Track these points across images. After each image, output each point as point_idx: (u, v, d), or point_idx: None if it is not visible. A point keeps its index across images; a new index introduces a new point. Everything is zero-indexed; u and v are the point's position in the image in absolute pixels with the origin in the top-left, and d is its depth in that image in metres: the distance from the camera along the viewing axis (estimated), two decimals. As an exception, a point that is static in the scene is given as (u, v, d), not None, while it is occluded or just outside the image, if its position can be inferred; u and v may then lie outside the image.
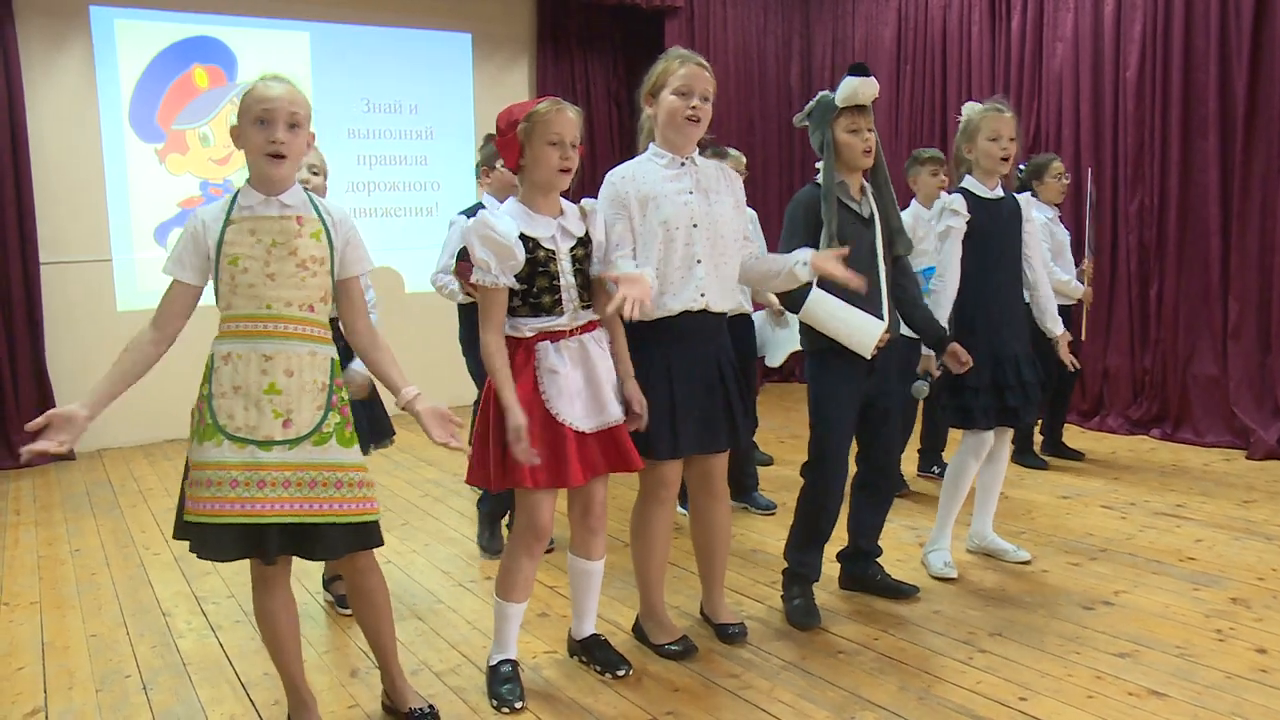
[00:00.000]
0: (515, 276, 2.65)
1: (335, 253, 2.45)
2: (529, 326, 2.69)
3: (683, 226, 2.87)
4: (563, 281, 2.69)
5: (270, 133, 2.33)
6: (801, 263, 2.95)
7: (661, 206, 2.86)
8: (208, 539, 2.34)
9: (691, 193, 2.90)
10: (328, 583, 3.62)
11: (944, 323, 3.50)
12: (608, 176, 2.94)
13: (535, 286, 2.67)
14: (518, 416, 2.57)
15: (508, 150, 2.73)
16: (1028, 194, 3.79)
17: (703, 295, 2.88)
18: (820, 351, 3.19)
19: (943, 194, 3.65)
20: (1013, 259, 3.63)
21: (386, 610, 2.63)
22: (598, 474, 2.76)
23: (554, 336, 2.69)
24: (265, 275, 2.35)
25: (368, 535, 2.46)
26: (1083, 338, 5.39)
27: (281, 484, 2.34)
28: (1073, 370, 3.90)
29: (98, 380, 2.38)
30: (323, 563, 3.60)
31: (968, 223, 3.53)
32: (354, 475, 2.41)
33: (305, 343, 2.39)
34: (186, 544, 2.40)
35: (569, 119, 2.67)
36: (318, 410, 2.39)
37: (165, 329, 2.43)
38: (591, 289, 2.79)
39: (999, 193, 3.61)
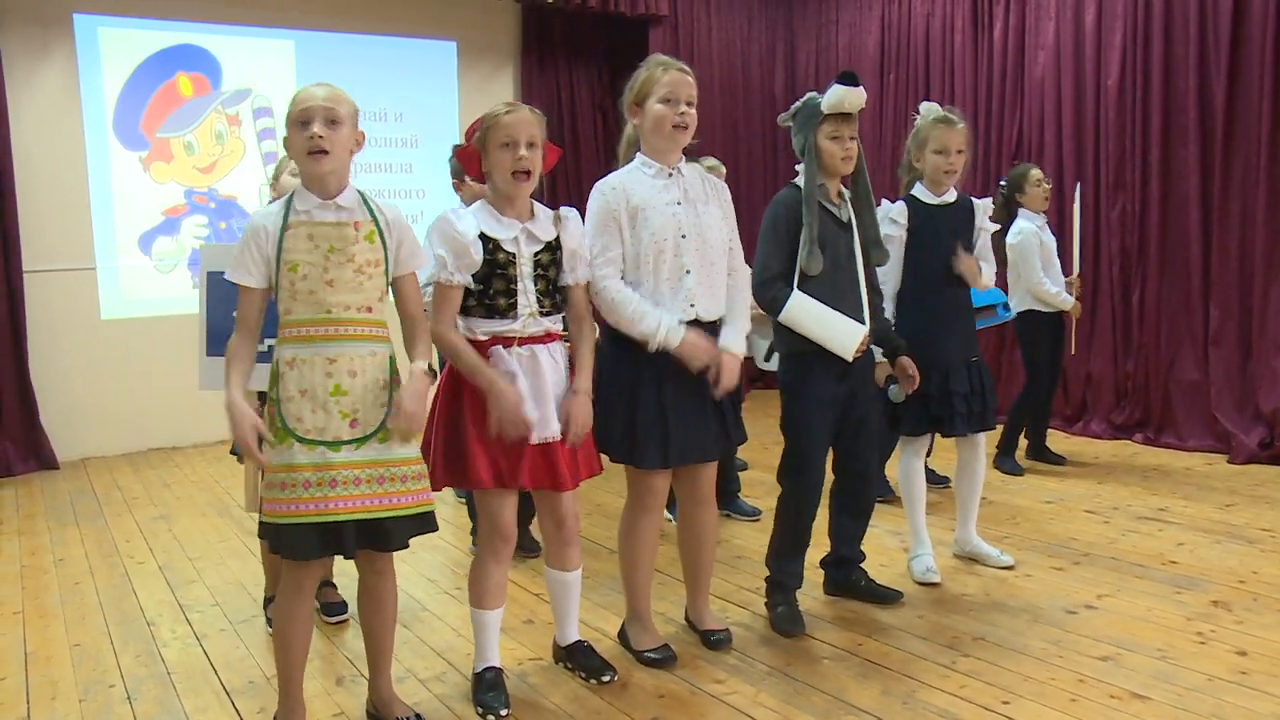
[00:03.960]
0: (472, 276, 2.66)
1: (390, 254, 2.51)
2: (482, 329, 2.69)
3: (671, 237, 2.88)
4: (520, 285, 2.68)
5: (307, 131, 2.37)
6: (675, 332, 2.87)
7: (650, 218, 2.87)
8: (288, 539, 2.41)
9: (679, 203, 2.91)
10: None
11: None
12: (597, 186, 2.93)
13: (491, 288, 2.67)
14: (501, 381, 2.59)
15: (469, 161, 2.75)
16: (988, 199, 3.78)
17: (693, 305, 2.89)
18: (794, 355, 3.20)
19: (884, 201, 3.67)
20: (954, 265, 3.61)
21: (392, 616, 2.67)
22: (538, 485, 2.74)
23: (505, 342, 2.69)
24: (324, 281, 2.41)
25: (427, 522, 2.55)
26: (1072, 351, 5.42)
27: (352, 482, 2.41)
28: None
29: (236, 392, 2.39)
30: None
31: (912, 230, 3.57)
32: (414, 469, 2.51)
33: (366, 343, 2.46)
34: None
35: (522, 120, 2.66)
36: (381, 408, 2.46)
37: (250, 331, 2.47)
38: (561, 297, 2.80)
39: (949, 198, 3.62)
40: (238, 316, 2.46)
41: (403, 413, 2.43)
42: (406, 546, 2.53)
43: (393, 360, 2.53)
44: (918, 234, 3.57)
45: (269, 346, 2.86)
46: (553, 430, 2.73)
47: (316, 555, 2.44)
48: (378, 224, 2.50)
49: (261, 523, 2.46)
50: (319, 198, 2.44)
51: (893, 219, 3.59)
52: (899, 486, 3.82)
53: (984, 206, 3.71)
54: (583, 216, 2.90)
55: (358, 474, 2.42)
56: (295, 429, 2.40)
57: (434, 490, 2.72)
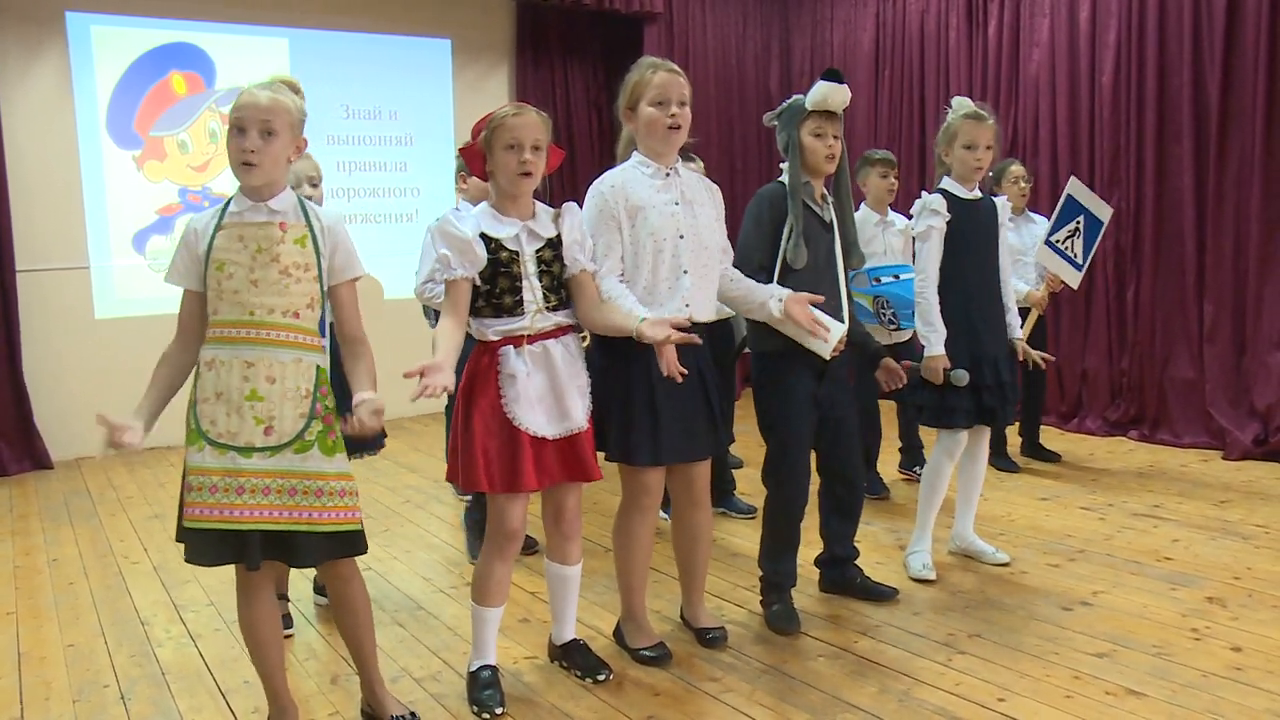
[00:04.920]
0: (479, 275, 2.67)
1: (323, 259, 2.45)
2: (493, 330, 2.70)
3: (669, 238, 2.89)
4: (525, 283, 2.70)
5: (241, 141, 2.33)
6: (776, 299, 2.98)
7: (649, 218, 2.87)
8: (193, 544, 2.37)
9: (678, 204, 2.92)
10: (320, 588, 3.60)
11: (936, 323, 3.53)
12: (594, 185, 2.94)
13: (497, 287, 2.68)
14: (440, 358, 2.50)
15: (473, 159, 2.76)
16: (1004, 198, 3.81)
17: (688, 306, 2.90)
18: (769, 354, 3.20)
19: (924, 193, 3.68)
20: (991, 260, 3.65)
21: (367, 618, 2.63)
22: (554, 481, 2.76)
23: (516, 341, 2.70)
24: (249, 281, 2.36)
25: (349, 543, 2.46)
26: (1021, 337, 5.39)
27: (261, 491, 2.34)
28: (1036, 367, 3.87)
29: (142, 399, 2.42)
30: (312, 569, 3.61)
31: (947, 223, 3.56)
32: (336, 484, 2.41)
33: (289, 349, 2.39)
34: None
35: (528, 122, 2.67)
36: (300, 418, 2.39)
37: (185, 336, 2.45)
38: (567, 292, 2.80)
39: (977, 194, 3.64)
40: (178, 320, 2.45)
41: (354, 420, 2.37)
42: (318, 564, 2.48)
43: (320, 371, 2.43)
44: (955, 228, 3.58)
45: None
46: (577, 422, 2.75)
47: (218, 562, 2.39)
48: (311, 229, 2.44)
49: (180, 526, 2.40)
50: (251, 200, 2.41)
51: (933, 209, 3.57)
52: (920, 481, 3.82)
53: (1005, 206, 3.73)
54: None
55: (268, 483, 2.35)
56: (208, 431, 2.34)
57: (465, 492, 2.72)
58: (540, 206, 2.79)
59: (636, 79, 2.92)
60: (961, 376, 3.50)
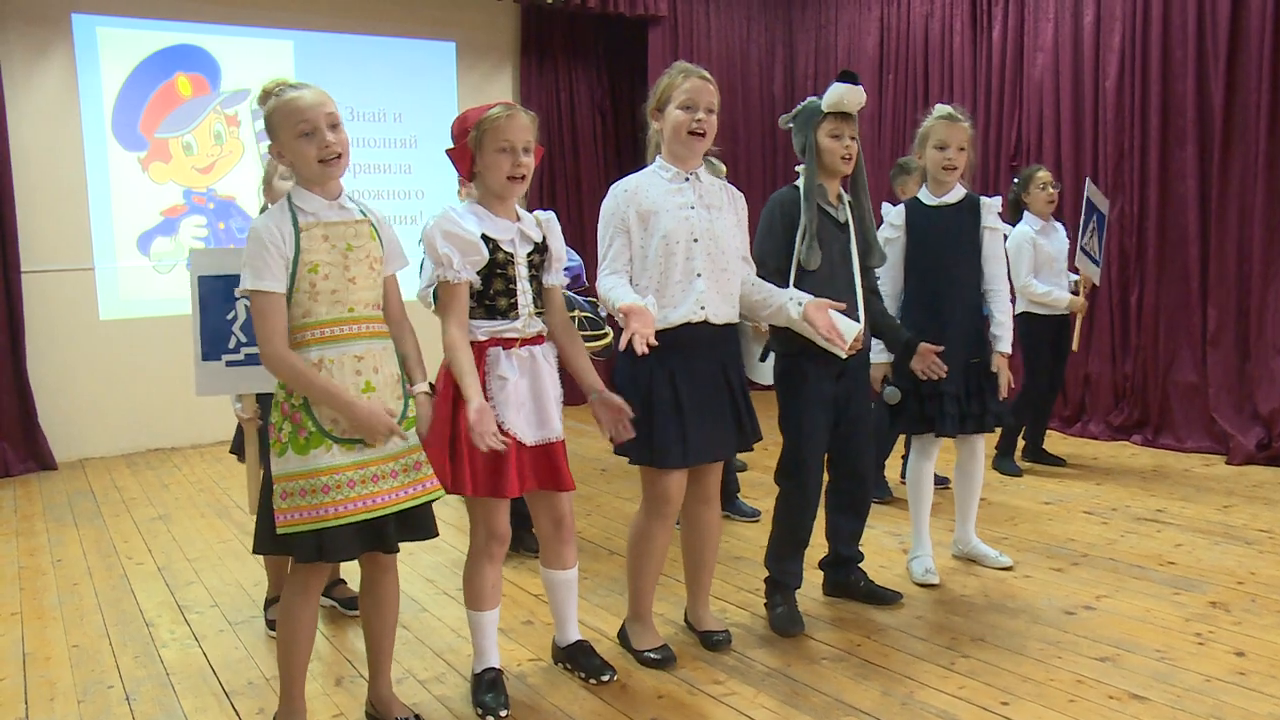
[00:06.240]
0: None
1: (385, 251, 2.53)
2: (482, 330, 2.69)
3: (683, 240, 2.89)
4: (519, 285, 2.70)
5: (320, 139, 2.37)
6: (796, 302, 2.97)
7: (662, 220, 2.88)
8: (331, 543, 2.38)
9: (693, 207, 2.93)
10: (328, 588, 3.60)
11: (883, 335, 3.52)
12: (612, 189, 2.97)
13: (492, 289, 2.68)
14: (478, 399, 2.54)
15: (459, 159, 2.74)
16: (997, 198, 3.75)
17: (703, 308, 2.90)
18: (791, 355, 3.21)
19: (885, 205, 3.70)
20: (957, 265, 3.60)
21: (393, 613, 2.67)
22: (528, 488, 2.74)
23: (506, 343, 2.69)
24: (347, 279, 2.43)
25: (432, 509, 2.58)
26: (1074, 348, 5.41)
27: (389, 475, 2.44)
28: (1003, 397, 3.74)
29: (340, 394, 2.37)
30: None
31: (911, 232, 3.60)
32: (424, 455, 2.53)
33: (381, 339, 2.50)
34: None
35: (520, 124, 2.66)
36: (398, 400, 2.50)
37: (287, 340, 2.40)
38: (544, 298, 2.80)
39: (951, 197, 3.62)
40: (275, 329, 2.36)
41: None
42: (434, 534, 2.55)
43: (397, 355, 2.56)
44: (917, 236, 3.59)
45: (245, 356, 2.89)
46: (555, 431, 2.74)
47: (358, 554, 2.46)
48: (372, 222, 2.53)
49: (289, 534, 2.37)
50: (323, 199, 2.44)
51: (890, 222, 3.63)
52: (906, 487, 3.82)
53: (991, 205, 3.67)
54: (561, 219, 2.91)
55: (392, 466, 2.45)
56: (332, 430, 2.38)
57: (449, 492, 2.72)
58: (523, 211, 2.79)
59: (667, 82, 2.94)
60: (893, 394, 3.55)
